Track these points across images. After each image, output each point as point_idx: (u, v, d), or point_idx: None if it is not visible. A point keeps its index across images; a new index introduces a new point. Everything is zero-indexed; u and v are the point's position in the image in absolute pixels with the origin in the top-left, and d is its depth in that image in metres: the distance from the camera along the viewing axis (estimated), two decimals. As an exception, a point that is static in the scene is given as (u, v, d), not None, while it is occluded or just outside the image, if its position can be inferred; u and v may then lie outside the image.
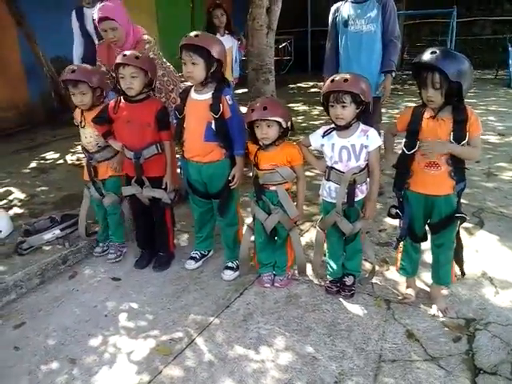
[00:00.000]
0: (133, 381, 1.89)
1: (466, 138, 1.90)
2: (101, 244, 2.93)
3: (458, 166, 1.97)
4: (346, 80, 1.97)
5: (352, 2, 3.18)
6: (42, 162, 4.86)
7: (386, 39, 3.16)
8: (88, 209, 2.84)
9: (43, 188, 3.99)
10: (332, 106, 2.04)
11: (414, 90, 9.27)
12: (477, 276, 2.46)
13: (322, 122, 6.46)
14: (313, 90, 10.54)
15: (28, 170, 4.58)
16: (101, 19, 2.71)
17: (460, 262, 2.24)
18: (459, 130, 1.90)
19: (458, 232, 2.16)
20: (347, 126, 2.07)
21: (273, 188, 2.24)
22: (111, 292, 2.52)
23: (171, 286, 2.54)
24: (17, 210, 3.50)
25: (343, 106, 2.00)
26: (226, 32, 4.20)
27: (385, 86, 3.17)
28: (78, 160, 4.72)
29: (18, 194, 3.86)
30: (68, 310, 2.39)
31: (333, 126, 2.12)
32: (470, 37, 13.61)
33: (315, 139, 2.20)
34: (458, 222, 2.10)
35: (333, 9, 3.35)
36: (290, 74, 12.01)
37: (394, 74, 3.26)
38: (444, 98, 1.86)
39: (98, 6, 2.77)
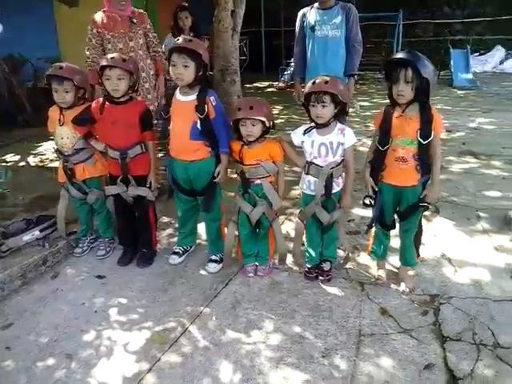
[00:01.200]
0: (133, 369, 1.97)
1: (432, 136, 2.14)
2: (80, 244, 2.95)
3: (422, 162, 2.21)
4: (326, 82, 2.16)
5: (318, 9, 3.40)
6: (4, 164, 4.72)
7: (349, 44, 3.40)
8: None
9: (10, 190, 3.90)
10: (313, 106, 2.23)
11: (365, 90, 9.78)
12: (437, 257, 2.74)
13: (282, 120, 6.70)
14: (269, 89, 10.80)
15: (-10, 173, 4.43)
16: None
17: (417, 245, 2.49)
18: (425, 129, 2.13)
19: (420, 219, 2.42)
20: (326, 125, 2.26)
21: (258, 182, 2.40)
22: (97, 289, 2.57)
23: (157, 281, 2.63)
24: (-14, 214, 3.43)
25: (323, 106, 2.19)
26: (191, 34, 4.31)
27: (348, 87, 3.40)
28: (41, 162, 4.64)
29: (-16, 198, 3.76)
30: (55, 308, 2.42)
31: (313, 124, 2.30)
32: (413, 39, 14.42)
33: (296, 136, 2.37)
34: (422, 210, 2.35)
35: (300, 14, 3.55)
36: (245, 74, 12.18)
37: (356, 77, 3.52)
38: (413, 94, 2.08)
39: None
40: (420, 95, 2.09)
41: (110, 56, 2.40)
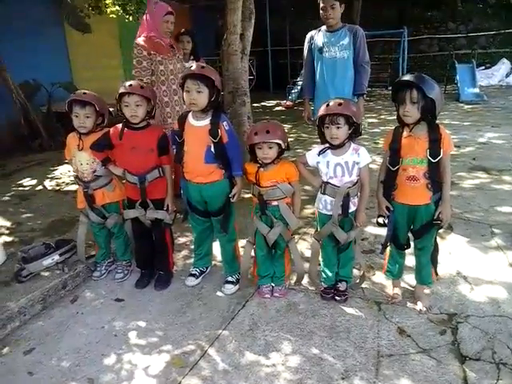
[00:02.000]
0: (154, 393, 2.00)
1: (441, 154, 2.18)
2: (98, 268, 3.00)
3: (433, 180, 2.24)
4: (340, 104, 2.22)
5: (326, 31, 3.50)
6: (21, 188, 4.83)
7: (357, 65, 3.49)
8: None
9: (28, 215, 3.99)
10: (327, 128, 2.28)
11: (373, 107, 9.86)
12: (453, 275, 2.75)
13: (291, 139, 6.78)
14: (277, 108, 10.92)
15: (8, 198, 4.55)
16: (169, 13, 3.62)
17: (434, 264, 2.50)
18: (434, 148, 2.17)
19: (435, 237, 2.44)
20: (341, 145, 2.31)
21: (274, 203, 2.44)
22: (117, 312, 2.61)
23: (175, 303, 2.66)
24: (6, 239, 3.50)
25: (338, 127, 2.25)
26: (191, 58, 4.43)
27: (358, 106, 3.47)
28: (57, 185, 4.74)
29: (3, 223, 3.85)
30: (76, 332, 2.46)
31: (327, 145, 2.35)
32: (418, 54, 14.57)
33: (311, 157, 2.43)
34: (436, 228, 2.37)
35: (308, 36, 3.65)
36: (252, 94, 12.36)
37: (365, 96, 3.58)
38: (420, 114, 2.14)
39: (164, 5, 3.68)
40: (426, 115, 2.14)
41: (127, 83, 2.48)
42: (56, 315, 2.63)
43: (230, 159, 2.49)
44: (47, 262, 2.87)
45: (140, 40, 3.63)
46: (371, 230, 3.35)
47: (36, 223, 3.79)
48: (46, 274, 2.89)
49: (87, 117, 2.63)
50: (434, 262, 2.46)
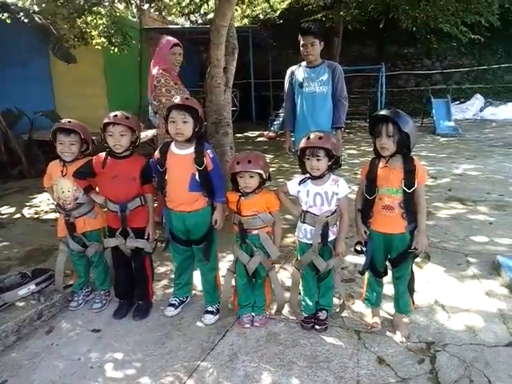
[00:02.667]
0: (130, 427, 1.94)
1: (415, 185, 2.26)
2: (76, 298, 2.94)
3: (408, 209, 2.31)
4: (320, 138, 2.31)
5: (306, 67, 3.64)
6: (-1, 217, 4.75)
7: (335, 99, 3.64)
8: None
9: (5, 243, 3.92)
10: (308, 159, 2.36)
11: (352, 138, 10.11)
12: (430, 304, 2.79)
13: (273, 169, 6.87)
14: (260, 138, 11.09)
15: (-16, 226, 4.46)
16: (175, 44, 3.92)
17: (411, 293, 2.54)
18: (409, 179, 2.26)
19: (411, 266, 2.49)
20: (321, 176, 2.38)
21: (255, 232, 2.47)
22: (93, 344, 2.55)
23: (153, 334, 2.62)
24: (-19, 268, 3.42)
25: (318, 159, 2.33)
26: None
27: (338, 139, 3.58)
28: (36, 213, 4.67)
29: (-22, 251, 3.76)
30: (50, 364, 2.38)
31: (308, 175, 2.42)
32: (396, 89, 15.13)
33: (292, 187, 2.49)
34: (412, 257, 2.42)
35: (289, 71, 3.79)
36: (235, 124, 12.57)
37: (343, 130, 3.72)
38: (396, 147, 2.23)
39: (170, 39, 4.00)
40: (402, 148, 2.23)
41: (112, 114, 2.53)
42: (30, 346, 2.56)
43: (215, 186, 2.54)
44: (23, 291, 2.81)
45: (157, 71, 3.91)
46: (351, 258, 3.39)
47: (13, 252, 3.71)
48: (21, 303, 2.81)
49: (72, 144, 2.65)
50: (410, 290, 2.50)
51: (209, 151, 2.52)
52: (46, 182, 2.82)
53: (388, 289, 2.66)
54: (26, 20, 6.42)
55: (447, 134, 9.89)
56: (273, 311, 2.72)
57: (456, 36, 11.52)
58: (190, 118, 2.44)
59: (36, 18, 6.51)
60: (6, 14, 6.68)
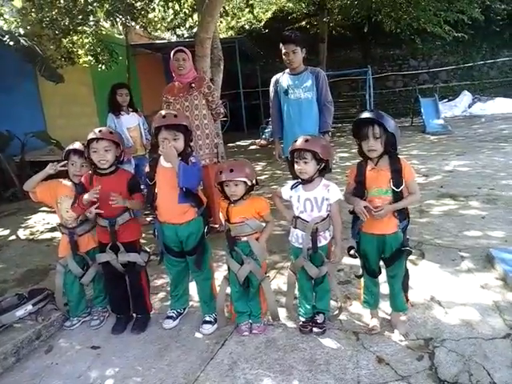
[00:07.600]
0: None
1: (404, 184, 2.29)
2: (71, 318, 2.92)
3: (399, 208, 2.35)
4: (307, 140, 2.34)
5: (290, 74, 3.68)
6: (-6, 239, 4.74)
7: (320, 104, 3.68)
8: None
9: (1, 266, 3.90)
10: (296, 162, 2.39)
11: (343, 141, 10.17)
12: (427, 300, 2.80)
13: (266, 176, 6.91)
14: (252, 147, 11.15)
15: (-20, 249, 4.44)
16: (177, 51, 3.94)
17: (406, 290, 2.56)
18: (397, 178, 2.29)
19: (405, 263, 2.51)
20: (310, 181, 2.40)
21: (244, 239, 2.49)
22: (93, 361, 2.54)
23: (153, 347, 2.61)
24: (-23, 291, 3.40)
25: (305, 162, 2.35)
26: (131, 110, 4.58)
27: (327, 143, 3.62)
28: (31, 234, 4.67)
29: (-26, 275, 3.75)
30: (51, 384, 2.38)
31: (299, 180, 2.45)
32: (384, 90, 15.28)
33: (285, 192, 2.51)
34: (406, 254, 2.45)
35: (273, 80, 3.83)
36: (227, 135, 12.64)
37: (330, 133, 3.76)
38: (383, 147, 2.26)
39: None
40: (388, 148, 2.26)
41: (97, 130, 2.55)
42: (30, 367, 2.54)
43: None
44: (20, 312, 2.80)
45: (168, 86, 4.16)
46: (346, 260, 3.40)
47: (9, 274, 3.70)
48: (19, 324, 2.80)
49: (83, 165, 2.71)
50: (405, 288, 2.52)
51: (192, 158, 2.54)
52: (51, 200, 2.81)
53: (384, 288, 2.67)
54: (11, 43, 6.45)
55: (437, 132, 9.98)
56: (270, 318, 2.72)
57: (440, 35, 11.67)
58: (181, 133, 2.48)
59: (22, 41, 6.55)
60: (-9, 39, 6.72)
